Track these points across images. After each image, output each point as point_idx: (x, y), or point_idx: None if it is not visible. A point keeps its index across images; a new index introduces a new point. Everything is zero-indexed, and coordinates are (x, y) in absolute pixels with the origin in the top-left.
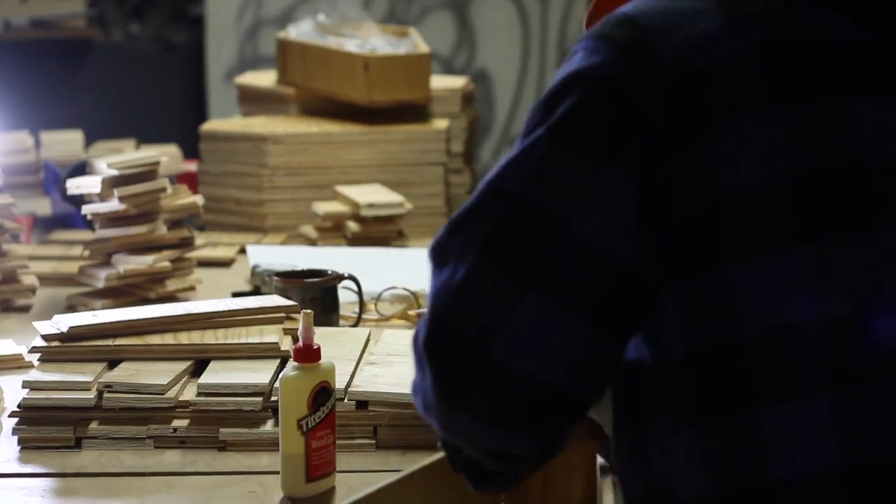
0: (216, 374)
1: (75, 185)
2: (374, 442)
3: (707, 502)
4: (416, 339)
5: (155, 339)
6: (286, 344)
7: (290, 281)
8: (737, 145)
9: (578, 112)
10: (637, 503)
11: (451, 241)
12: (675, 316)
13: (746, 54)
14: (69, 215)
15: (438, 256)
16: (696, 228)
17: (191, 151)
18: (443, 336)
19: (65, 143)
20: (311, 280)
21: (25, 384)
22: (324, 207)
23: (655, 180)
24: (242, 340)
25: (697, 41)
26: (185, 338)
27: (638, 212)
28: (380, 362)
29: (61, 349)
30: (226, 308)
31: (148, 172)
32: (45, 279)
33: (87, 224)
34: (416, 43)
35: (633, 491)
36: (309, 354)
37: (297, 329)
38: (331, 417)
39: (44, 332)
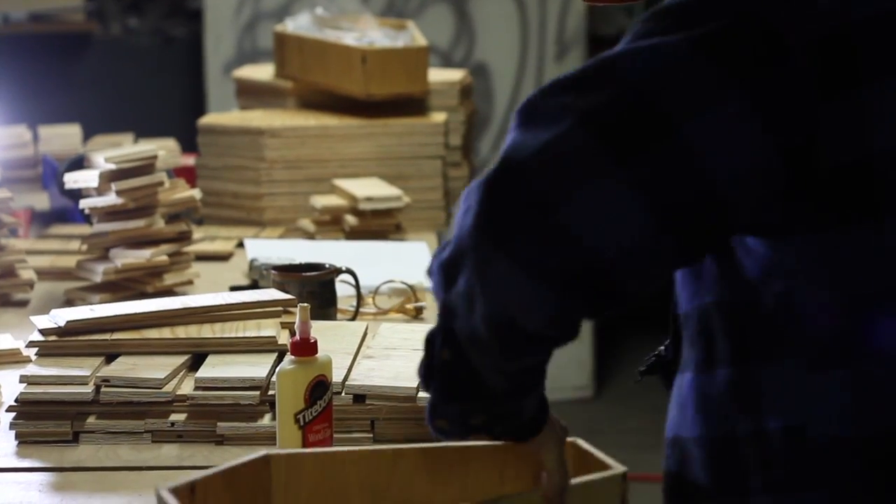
0: (213, 368)
1: (73, 180)
2: (371, 435)
3: (849, 443)
4: (470, 188)
5: (152, 334)
6: (283, 338)
7: (288, 275)
8: (891, 103)
9: (723, 37)
10: (735, 439)
11: (547, 103)
12: (818, 263)
13: None
14: (67, 209)
15: (527, 114)
16: (849, 180)
17: (189, 145)
18: (512, 182)
19: (63, 137)
20: (308, 274)
21: (23, 379)
22: (322, 201)
23: (798, 126)
24: (240, 334)
25: None
26: (182, 332)
27: (760, 147)
28: (377, 356)
29: (59, 343)
30: (223, 302)
31: (146, 166)
32: (43, 273)
33: (85, 218)
34: (414, 36)
35: (723, 430)
36: (306, 348)
37: (294, 323)
38: (328, 411)
39: (41, 327)
